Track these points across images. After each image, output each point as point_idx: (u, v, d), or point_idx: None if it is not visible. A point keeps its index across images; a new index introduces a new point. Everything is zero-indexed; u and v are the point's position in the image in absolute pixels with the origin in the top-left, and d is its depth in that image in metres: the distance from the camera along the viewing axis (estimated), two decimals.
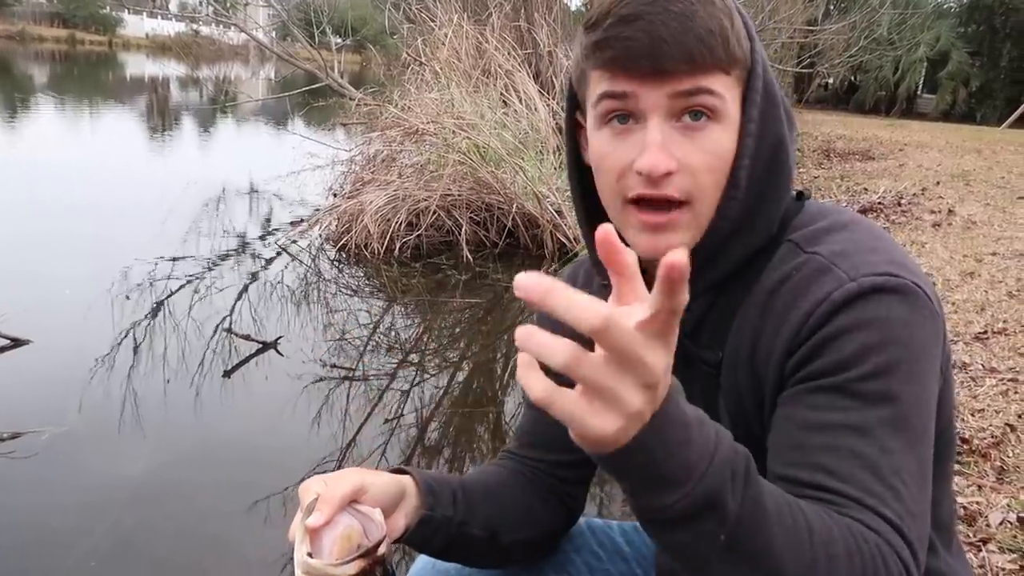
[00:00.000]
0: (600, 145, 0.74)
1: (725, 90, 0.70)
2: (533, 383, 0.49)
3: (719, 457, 0.54)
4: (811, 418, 0.67)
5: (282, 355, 3.48)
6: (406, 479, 0.82)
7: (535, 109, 6.32)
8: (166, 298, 4.12)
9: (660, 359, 0.48)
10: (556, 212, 5.43)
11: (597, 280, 0.88)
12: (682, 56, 0.67)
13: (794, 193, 0.80)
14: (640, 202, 0.72)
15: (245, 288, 4.47)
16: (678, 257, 0.44)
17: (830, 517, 0.61)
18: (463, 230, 5.40)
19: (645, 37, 0.67)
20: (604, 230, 0.47)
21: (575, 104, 0.80)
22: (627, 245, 0.77)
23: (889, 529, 0.61)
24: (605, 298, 0.86)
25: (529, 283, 0.45)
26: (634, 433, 0.50)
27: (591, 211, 0.82)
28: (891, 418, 0.65)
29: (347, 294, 4.69)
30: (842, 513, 0.62)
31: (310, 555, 0.65)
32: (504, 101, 6.39)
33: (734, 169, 0.72)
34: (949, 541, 0.83)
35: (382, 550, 0.65)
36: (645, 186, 0.70)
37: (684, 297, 0.47)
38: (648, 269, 0.80)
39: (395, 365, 3.56)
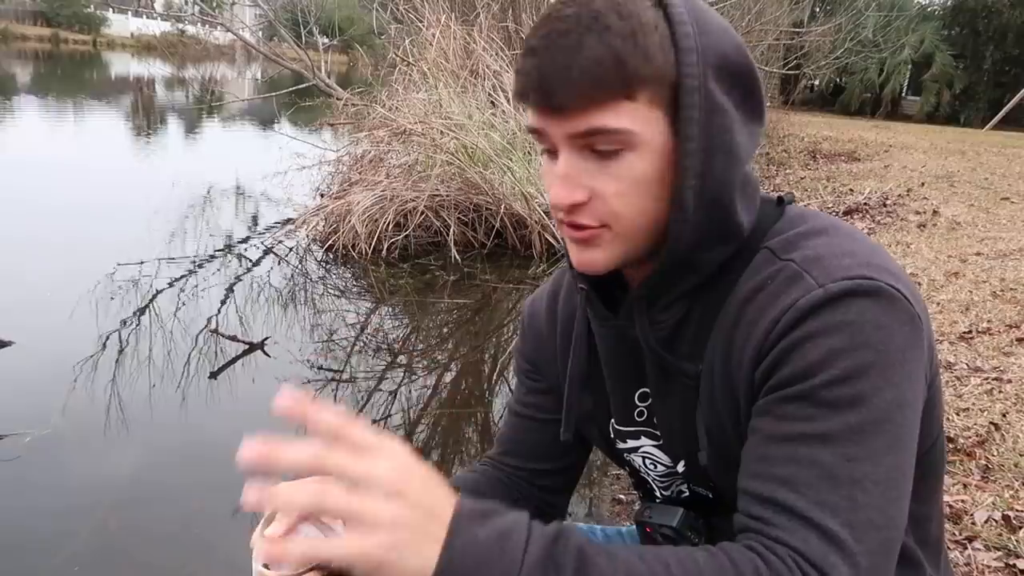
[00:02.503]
0: (542, 169, 0.75)
1: (628, 120, 0.66)
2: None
3: (527, 566, 0.55)
4: (777, 429, 0.66)
5: (269, 356, 3.46)
6: None
7: (523, 110, 6.30)
8: (151, 299, 4.09)
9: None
10: (544, 213, 5.43)
11: (577, 283, 0.87)
12: (569, 93, 0.65)
13: (775, 198, 0.78)
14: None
15: (231, 289, 4.44)
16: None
17: (711, 557, 0.60)
18: (451, 231, 5.39)
19: (536, 74, 0.66)
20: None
21: None
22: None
23: (822, 546, 0.60)
24: (578, 305, 0.86)
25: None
26: (430, 573, 0.53)
27: None
28: (859, 424, 0.63)
29: (334, 295, 4.67)
30: (769, 536, 0.61)
31: (266, 566, 0.64)
32: (492, 102, 6.38)
33: (679, 191, 0.69)
34: (937, 559, 0.82)
35: None
36: (564, 214, 0.71)
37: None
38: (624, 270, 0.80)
39: (383, 366, 3.55)
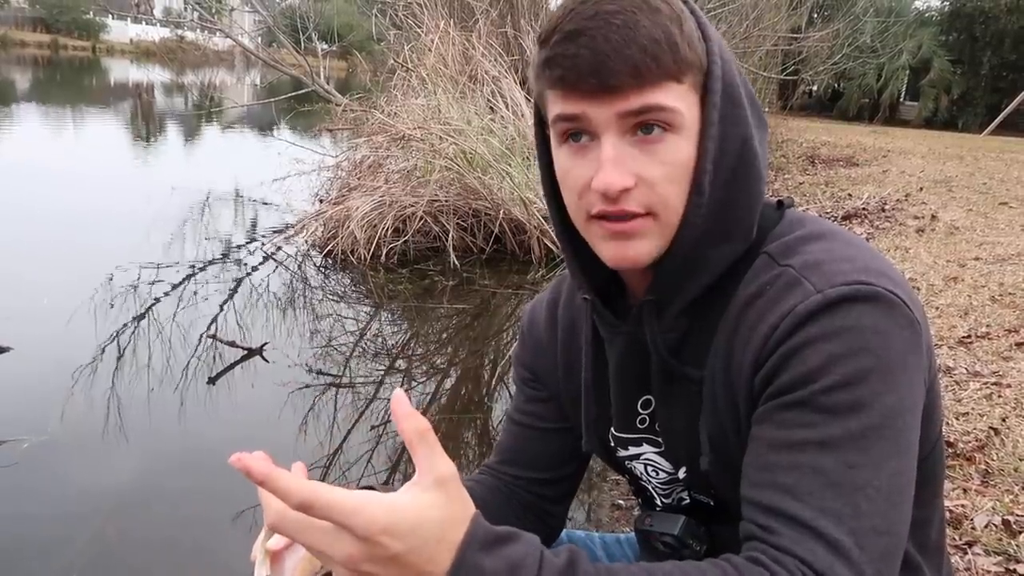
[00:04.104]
0: (561, 162, 0.73)
1: (678, 100, 0.67)
2: None
3: None
4: (778, 436, 0.66)
5: (268, 362, 3.45)
6: None
7: (522, 115, 6.32)
8: (150, 305, 4.08)
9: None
10: (543, 218, 5.43)
11: (579, 294, 0.86)
12: (627, 70, 0.65)
13: (775, 202, 0.78)
14: (603, 216, 0.70)
15: (230, 295, 4.44)
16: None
17: (722, 574, 0.60)
18: (450, 236, 5.39)
19: (589, 53, 0.65)
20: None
21: (542, 120, 0.77)
22: (595, 256, 0.76)
23: (828, 556, 0.60)
24: (582, 314, 0.85)
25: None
26: None
27: (568, 222, 0.79)
28: (860, 431, 0.63)
29: (333, 300, 4.67)
30: (775, 546, 0.62)
31: None
32: (491, 107, 6.39)
33: (697, 174, 0.69)
34: (939, 563, 0.82)
35: None
36: (604, 203, 0.69)
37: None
38: (623, 275, 0.80)
39: (382, 372, 3.54)
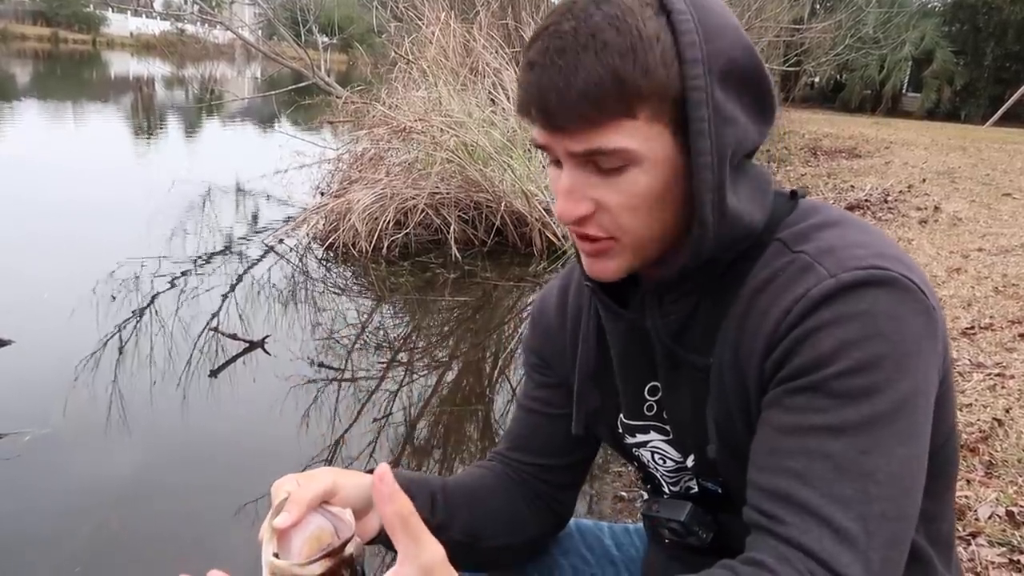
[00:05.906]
0: (550, 179, 0.74)
1: (630, 138, 0.65)
2: None
3: None
4: (787, 420, 0.65)
5: (270, 354, 3.45)
6: None
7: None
8: (152, 298, 4.08)
9: None
10: (545, 210, 5.42)
11: (583, 280, 0.86)
12: (567, 114, 0.64)
13: (788, 192, 0.77)
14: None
15: (232, 288, 4.43)
16: None
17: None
18: (451, 228, 5.38)
19: (535, 90, 0.65)
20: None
21: None
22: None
23: (835, 545, 0.60)
24: (588, 301, 0.85)
25: None
26: None
27: None
28: (872, 416, 0.62)
29: (335, 293, 4.66)
30: (781, 536, 0.61)
31: (276, 555, 0.64)
32: (492, 99, 6.37)
33: (698, 207, 0.68)
34: (948, 559, 0.82)
35: (350, 550, 0.64)
36: (572, 226, 0.71)
37: None
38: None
39: (384, 364, 3.54)
